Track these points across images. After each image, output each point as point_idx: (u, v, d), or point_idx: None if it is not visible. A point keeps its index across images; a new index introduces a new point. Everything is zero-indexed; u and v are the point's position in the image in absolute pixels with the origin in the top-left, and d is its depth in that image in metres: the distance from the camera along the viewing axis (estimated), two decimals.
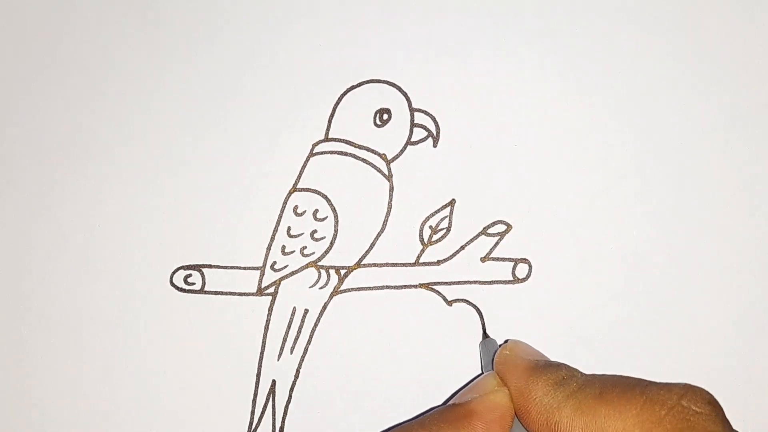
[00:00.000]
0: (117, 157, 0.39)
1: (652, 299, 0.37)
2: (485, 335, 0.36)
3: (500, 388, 0.29)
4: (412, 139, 0.38)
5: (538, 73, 0.38)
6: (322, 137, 0.39)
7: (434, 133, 0.38)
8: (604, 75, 0.38)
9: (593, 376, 0.28)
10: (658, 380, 0.35)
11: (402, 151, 0.38)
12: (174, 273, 0.38)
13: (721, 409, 0.25)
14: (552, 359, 0.30)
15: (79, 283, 0.38)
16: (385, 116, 0.39)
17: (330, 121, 0.39)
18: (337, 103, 0.39)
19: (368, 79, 0.39)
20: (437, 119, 0.38)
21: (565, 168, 0.38)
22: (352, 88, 0.39)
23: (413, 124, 0.39)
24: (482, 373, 0.35)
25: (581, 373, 0.28)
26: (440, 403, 0.36)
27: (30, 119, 0.39)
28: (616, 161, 0.38)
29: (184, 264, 0.38)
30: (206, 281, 0.38)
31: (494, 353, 0.32)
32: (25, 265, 0.38)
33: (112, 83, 0.39)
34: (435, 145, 0.38)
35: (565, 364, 0.29)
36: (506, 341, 0.32)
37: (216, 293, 0.38)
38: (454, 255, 0.37)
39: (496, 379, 0.30)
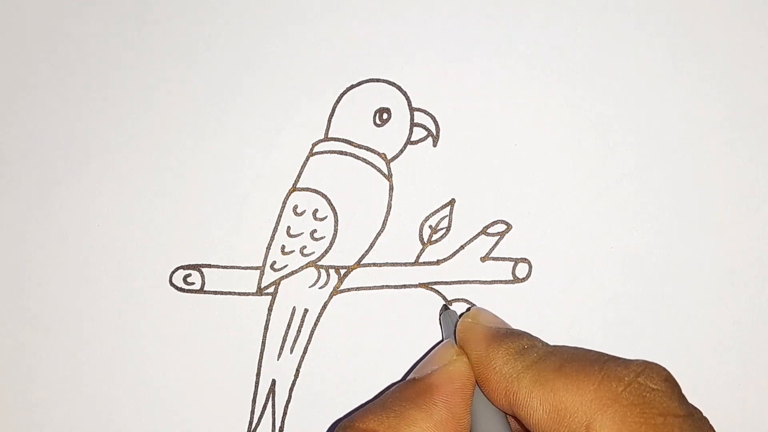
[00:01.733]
0: (117, 157, 0.39)
1: (652, 299, 0.37)
2: (445, 307, 0.36)
3: (459, 357, 0.29)
4: (411, 139, 0.38)
5: (538, 72, 0.38)
6: (322, 137, 0.39)
7: (434, 132, 0.38)
8: (604, 75, 0.38)
9: (555, 347, 0.27)
10: None
11: (402, 150, 0.38)
12: (173, 273, 0.38)
13: (678, 386, 0.25)
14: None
15: (78, 283, 0.38)
16: (385, 116, 0.39)
17: (330, 121, 0.39)
18: (337, 102, 0.39)
19: (368, 78, 0.39)
20: (437, 119, 0.38)
21: (566, 168, 0.38)
22: (352, 87, 0.39)
23: (413, 124, 0.38)
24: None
25: (543, 342, 0.28)
26: None
27: (30, 119, 0.39)
28: (616, 161, 0.38)
29: (183, 264, 0.38)
30: (206, 281, 0.38)
31: (456, 323, 0.31)
32: (25, 265, 0.38)
33: (112, 83, 0.39)
34: (435, 145, 0.38)
35: (527, 333, 0.29)
36: (469, 308, 0.32)
37: (215, 293, 0.38)
38: (454, 255, 0.37)
39: (455, 348, 0.30)
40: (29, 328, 0.38)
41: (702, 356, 0.36)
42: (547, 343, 0.28)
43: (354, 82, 0.39)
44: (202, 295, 0.38)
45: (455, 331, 0.31)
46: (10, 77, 0.40)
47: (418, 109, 0.39)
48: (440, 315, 0.36)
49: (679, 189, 0.37)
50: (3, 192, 0.39)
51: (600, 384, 0.25)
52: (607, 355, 0.26)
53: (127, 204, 0.38)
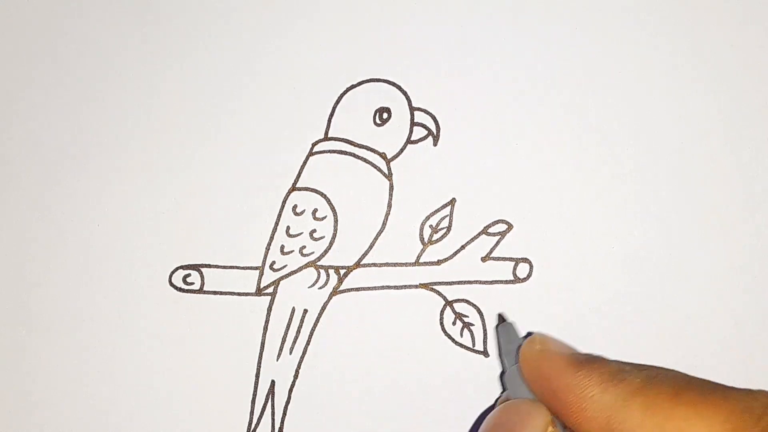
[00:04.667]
0: (117, 157, 0.39)
1: (653, 299, 0.36)
2: (501, 318, 0.34)
3: (554, 430, 0.27)
4: (412, 138, 0.38)
5: (538, 72, 0.38)
6: (322, 136, 0.39)
7: (434, 131, 0.38)
8: (604, 75, 0.38)
9: (650, 370, 0.26)
10: None
11: (402, 150, 0.38)
12: (173, 273, 0.38)
13: None
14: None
15: (78, 283, 0.38)
16: (385, 115, 0.38)
17: (330, 120, 0.39)
18: (337, 102, 0.39)
19: (368, 78, 0.39)
20: (437, 118, 0.38)
21: (566, 167, 0.38)
22: (352, 87, 0.39)
23: (413, 123, 0.38)
24: (501, 360, 0.34)
25: (628, 364, 0.26)
26: (439, 404, 0.36)
27: (30, 119, 0.39)
28: (617, 161, 0.37)
29: (183, 264, 0.38)
30: (205, 281, 0.38)
31: (518, 345, 0.30)
32: (25, 264, 0.38)
33: (112, 83, 0.39)
34: (435, 144, 0.38)
35: (603, 356, 0.27)
36: (529, 334, 0.31)
37: (215, 293, 0.38)
38: (454, 254, 0.37)
39: (548, 416, 0.27)
40: (29, 328, 0.38)
41: (702, 356, 0.36)
42: (633, 365, 0.26)
43: (354, 82, 0.39)
44: (202, 295, 0.38)
45: (517, 355, 0.30)
46: (10, 77, 0.40)
47: (419, 109, 0.38)
48: (497, 327, 0.35)
49: (679, 189, 0.37)
50: (3, 192, 0.39)
51: (729, 416, 0.23)
52: (718, 383, 0.25)
53: (127, 204, 0.38)
